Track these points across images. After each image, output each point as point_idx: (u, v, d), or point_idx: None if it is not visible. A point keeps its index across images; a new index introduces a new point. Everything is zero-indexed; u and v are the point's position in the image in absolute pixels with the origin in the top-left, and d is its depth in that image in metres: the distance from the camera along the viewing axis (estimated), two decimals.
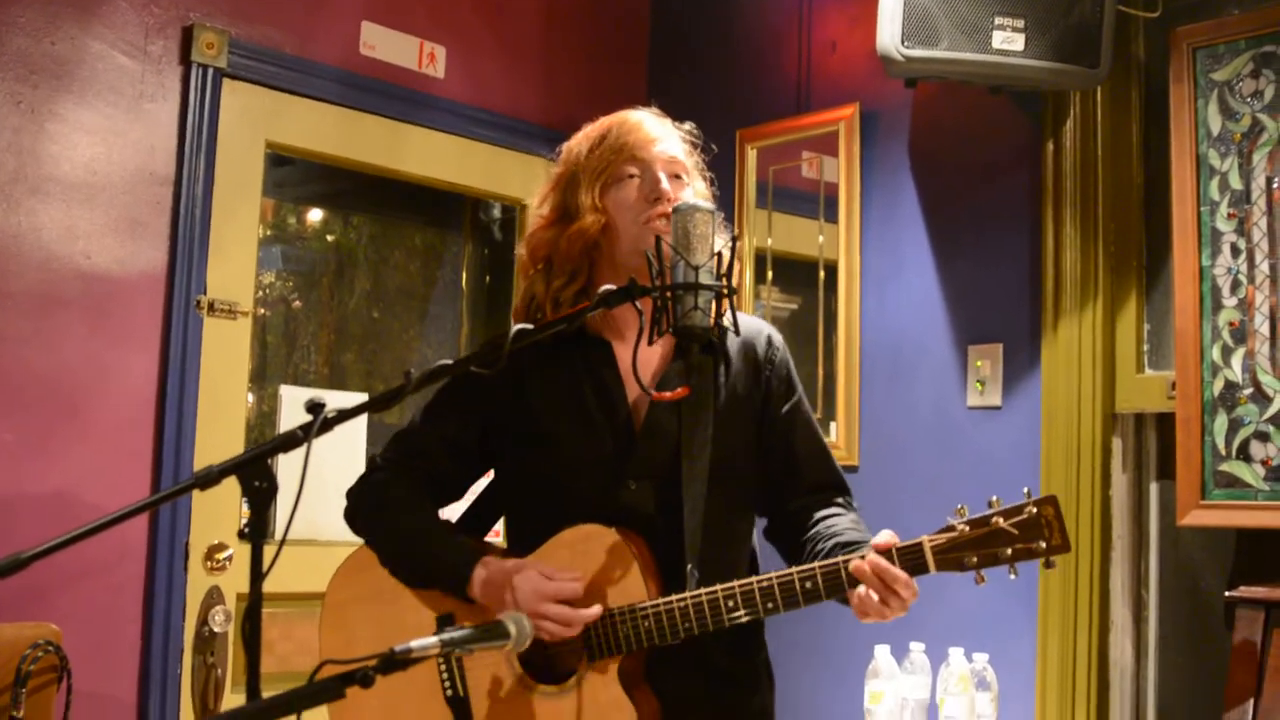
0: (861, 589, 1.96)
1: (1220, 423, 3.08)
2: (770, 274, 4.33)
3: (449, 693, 2.14)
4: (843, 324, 4.04)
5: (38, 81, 3.34)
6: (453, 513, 2.41)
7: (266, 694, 1.53)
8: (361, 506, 2.30)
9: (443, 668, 2.15)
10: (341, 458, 4.00)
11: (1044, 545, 1.94)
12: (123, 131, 3.49)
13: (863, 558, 1.97)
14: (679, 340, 1.92)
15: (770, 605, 2.00)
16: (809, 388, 4.08)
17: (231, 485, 1.64)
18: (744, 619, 2.02)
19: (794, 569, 2.01)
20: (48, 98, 3.36)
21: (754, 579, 2.02)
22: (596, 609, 2.05)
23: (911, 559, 1.96)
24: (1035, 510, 1.94)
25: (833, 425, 4.04)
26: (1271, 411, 3.01)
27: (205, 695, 3.57)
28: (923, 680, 3.42)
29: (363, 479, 2.33)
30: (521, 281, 2.34)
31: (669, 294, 1.90)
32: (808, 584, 1.99)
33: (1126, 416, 3.45)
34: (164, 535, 3.50)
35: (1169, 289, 3.30)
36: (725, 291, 1.93)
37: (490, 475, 2.40)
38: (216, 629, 3.59)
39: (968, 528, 1.96)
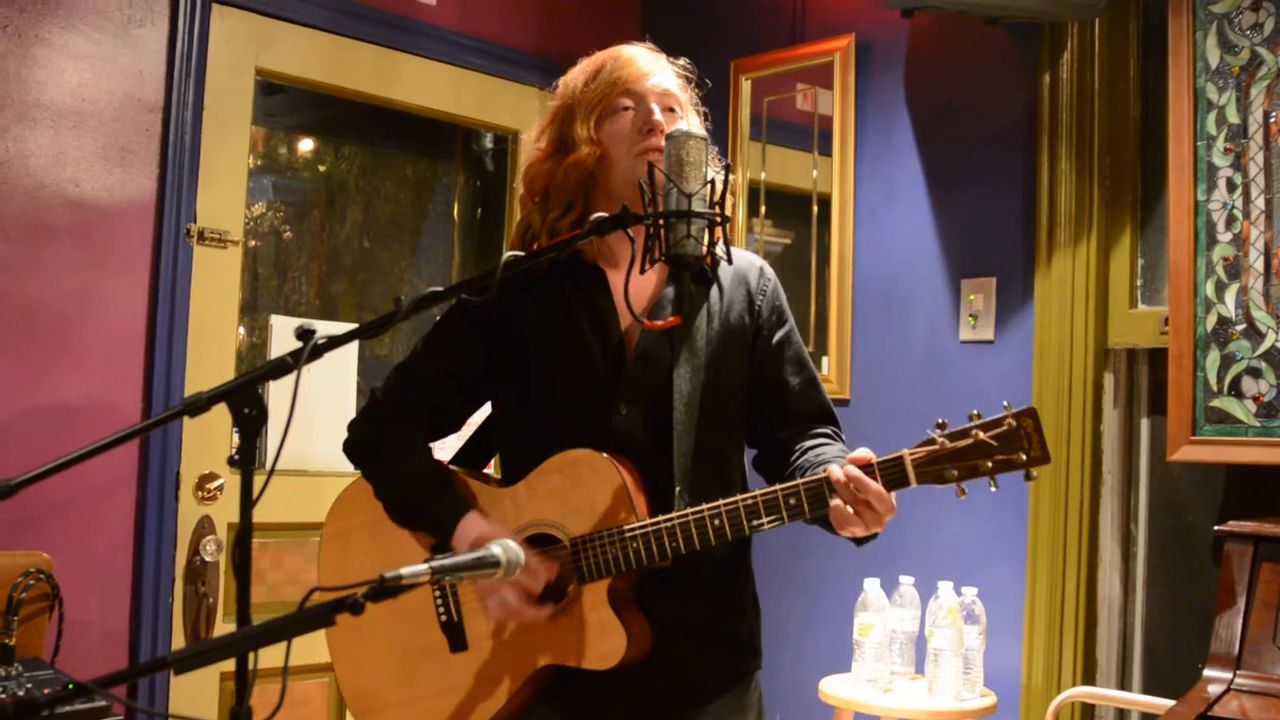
0: (836, 500, 1.97)
1: (1212, 358, 3.08)
2: (764, 207, 4.31)
3: (443, 618, 2.18)
4: (835, 258, 4.03)
5: (24, 5, 3.30)
6: (452, 443, 2.42)
7: (257, 622, 1.53)
8: (360, 442, 2.31)
9: (437, 593, 2.18)
10: (332, 389, 4.01)
11: (1024, 457, 1.92)
12: (111, 57, 3.45)
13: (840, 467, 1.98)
14: (671, 268, 1.92)
15: (755, 522, 2.02)
16: (801, 322, 4.08)
17: (223, 416, 1.63)
18: (730, 537, 2.03)
19: (778, 486, 2.02)
20: (34, 22, 3.31)
21: (738, 497, 2.03)
22: (545, 612, 2.09)
23: (892, 472, 1.96)
24: (1015, 422, 1.93)
25: (825, 359, 4.04)
26: (1264, 347, 3.01)
27: (197, 624, 3.58)
28: (912, 613, 3.45)
29: (364, 412, 2.34)
30: (520, 214, 2.35)
31: (661, 221, 1.89)
32: (791, 499, 2.00)
33: (1119, 352, 3.45)
34: (155, 465, 3.50)
35: (1163, 224, 3.28)
36: (718, 219, 1.92)
37: (488, 407, 2.41)
38: (208, 558, 3.60)
39: (947, 440, 1.95)
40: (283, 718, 1.64)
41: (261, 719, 1.52)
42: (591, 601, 2.09)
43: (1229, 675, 2.55)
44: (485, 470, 2.44)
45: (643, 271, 1.95)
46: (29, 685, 2.70)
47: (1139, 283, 3.44)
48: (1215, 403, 3.07)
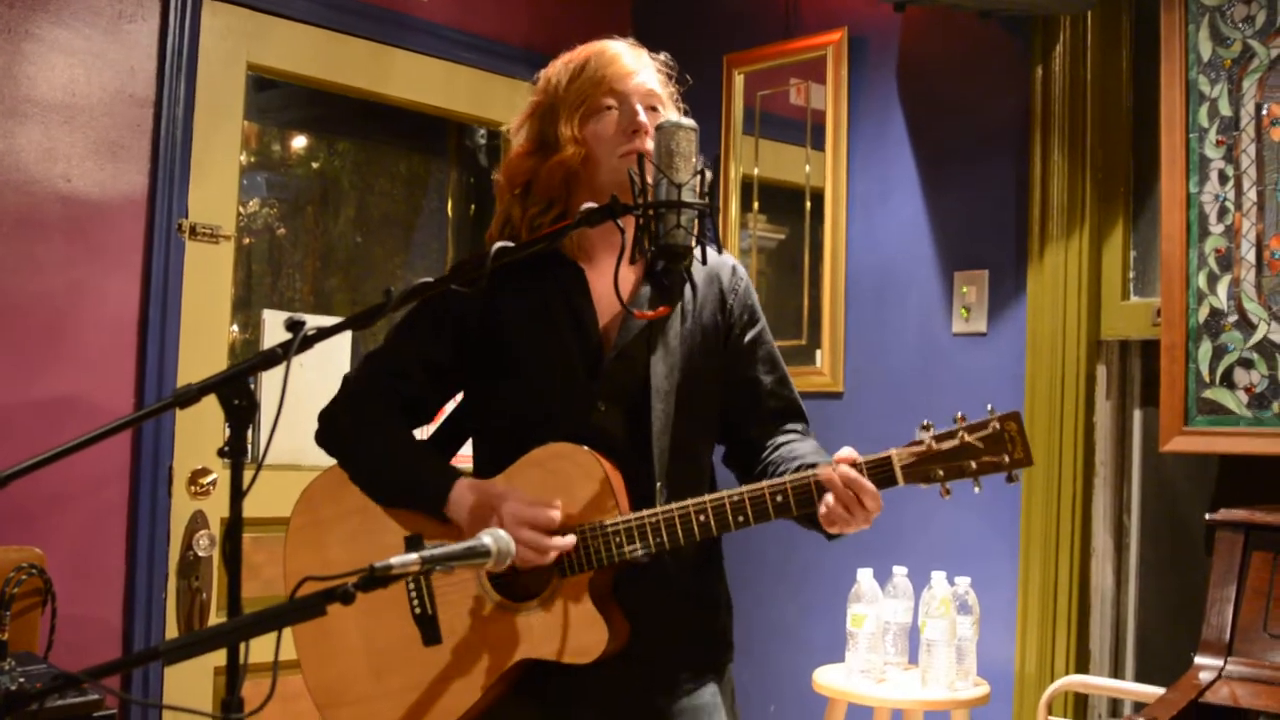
0: (830, 498, 1.99)
1: (1204, 350, 3.08)
2: (757, 202, 4.31)
3: (417, 610, 2.14)
4: (829, 251, 4.03)
5: (13, 0, 3.29)
6: (420, 436, 2.41)
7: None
8: (335, 426, 2.30)
9: (411, 585, 2.15)
10: (325, 383, 3.99)
11: (1007, 459, 1.97)
12: (101, 52, 3.45)
13: (831, 467, 2.00)
14: (660, 258, 1.92)
15: (741, 519, 2.03)
16: (795, 316, 4.09)
17: (215, 410, 1.63)
18: (715, 533, 2.05)
19: (764, 483, 2.04)
20: (24, 17, 3.31)
21: (724, 493, 2.04)
22: (570, 539, 2.07)
23: (880, 472, 2.00)
24: (999, 425, 1.97)
25: (818, 353, 4.04)
26: (1255, 339, 3.01)
27: (190, 619, 3.58)
28: (905, 604, 3.45)
29: (335, 399, 2.33)
30: (499, 206, 2.34)
31: (651, 212, 1.89)
32: (778, 497, 2.02)
33: (1111, 343, 3.46)
34: (147, 459, 3.51)
35: (1156, 216, 3.29)
36: (708, 210, 1.92)
37: (457, 398, 2.41)
38: (201, 553, 3.60)
39: (934, 441, 1.99)
40: (275, 710, 1.64)
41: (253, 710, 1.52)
42: (573, 595, 2.09)
43: (1220, 662, 2.56)
44: (453, 463, 2.42)
45: (633, 261, 1.95)
46: (21, 680, 2.70)
47: (1131, 275, 3.45)
48: (1207, 394, 3.08)
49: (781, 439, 2.31)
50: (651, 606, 2.17)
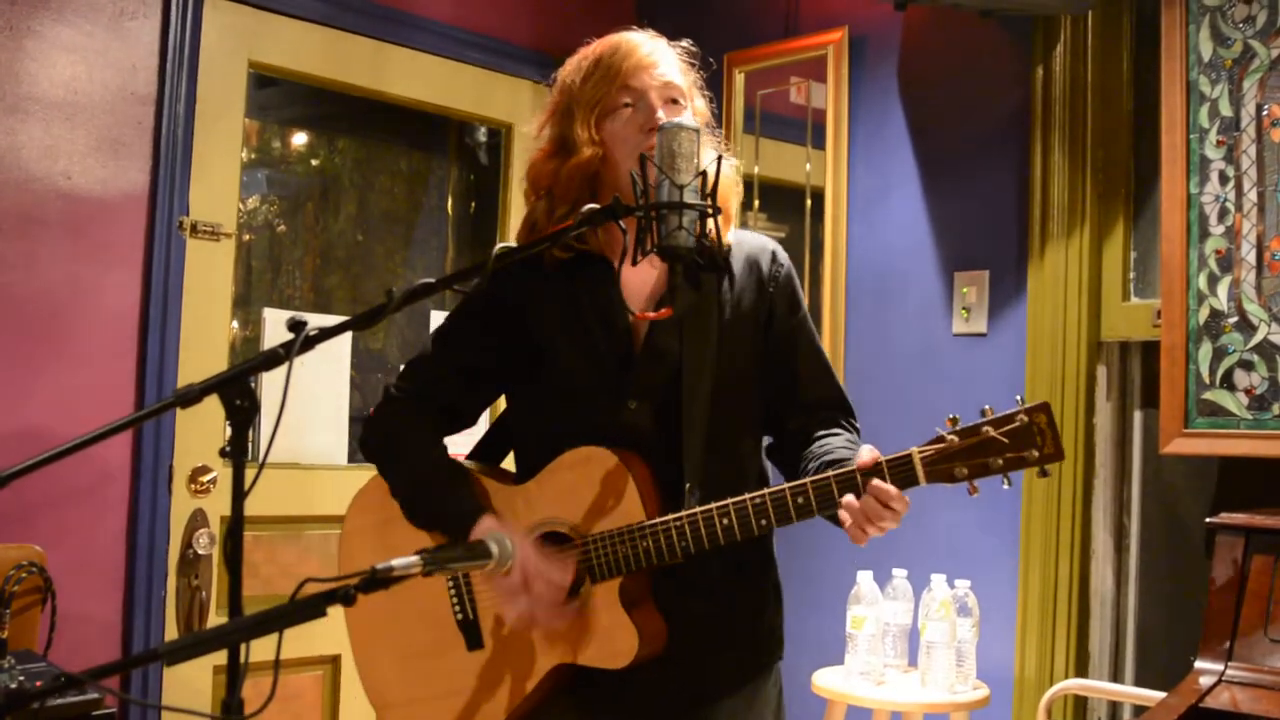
0: (853, 501, 1.93)
1: (1205, 351, 3.08)
2: (757, 201, 4.31)
3: (459, 616, 2.17)
4: (829, 251, 4.03)
5: None
6: (471, 438, 2.42)
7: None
8: (374, 440, 2.29)
9: (451, 590, 2.17)
10: (326, 383, 4.00)
11: (1036, 454, 1.87)
12: (103, 50, 3.45)
13: (855, 473, 1.94)
14: (663, 260, 1.90)
15: (763, 522, 1.99)
16: None
17: (216, 408, 1.63)
18: (739, 537, 2.00)
19: (786, 484, 1.99)
20: (26, 14, 3.31)
21: (747, 495, 1.99)
22: (570, 614, 2.08)
23: (901, 471, 1.92)
24: (1027, 418, 1.87)
25: None
26: (1256, 340, 3.01)
27: (190, 617, 3.58)
28: (905, 606, 3.45)
29: (378, 409, 2.32)
30: (525, 208, 2.31)
31: (652, 214, 1.87)
32: (799, 499, 1.97)
33: (1111, 344, 3.46)
34: (148, 458, 3.51)
35: (1156, 217, 3.28)
36: (710, 211, 1.90)
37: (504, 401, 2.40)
38: (201, 551, 3.60)
39: (958, 438, 1.90)
40: (276, 711, 1.64)
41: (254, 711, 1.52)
42: (603, 600, 2.07)
43: (1220, 667, 2.55)
44: (502, 464, 2.42)
45: (634, 263, 1.91)
46: (21, 678, 2.70)
47: (1132, 275, 3.44)
48: (1207, 395, 3.08)
49: (821, 433, 2.23)
50: (689, 609, 2.14)
